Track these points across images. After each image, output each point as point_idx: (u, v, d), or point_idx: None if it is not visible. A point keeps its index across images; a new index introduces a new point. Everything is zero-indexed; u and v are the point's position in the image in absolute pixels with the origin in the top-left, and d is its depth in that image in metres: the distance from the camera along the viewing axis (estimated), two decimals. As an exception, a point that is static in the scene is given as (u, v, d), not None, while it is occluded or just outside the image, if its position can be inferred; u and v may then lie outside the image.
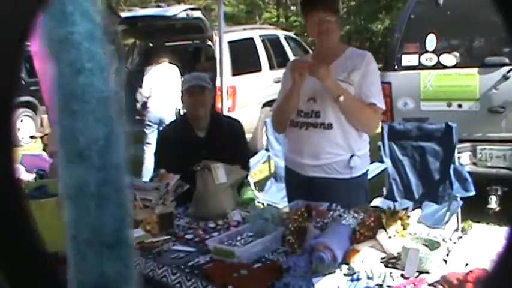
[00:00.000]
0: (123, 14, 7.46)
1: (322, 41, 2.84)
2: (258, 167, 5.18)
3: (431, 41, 4.97)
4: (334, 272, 1.99)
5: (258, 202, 4.63)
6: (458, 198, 3.79)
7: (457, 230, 3.72)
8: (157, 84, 7.04)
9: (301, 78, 2.72)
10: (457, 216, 3.80)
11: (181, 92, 3.41)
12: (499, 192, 4.64)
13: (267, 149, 4.97)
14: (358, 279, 1.90)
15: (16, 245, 0.60)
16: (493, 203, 4.61)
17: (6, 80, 0.57)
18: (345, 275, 1.98)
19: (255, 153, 5.10)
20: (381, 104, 2.76)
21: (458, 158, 4.48)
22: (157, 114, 6.85)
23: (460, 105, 4.80)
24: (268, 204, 4.16)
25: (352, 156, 2.77)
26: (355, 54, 2.81)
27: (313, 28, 2.81)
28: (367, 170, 2.95)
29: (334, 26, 2.77)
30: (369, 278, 1.93)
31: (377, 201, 4.09)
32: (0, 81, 0.56)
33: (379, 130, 4.59)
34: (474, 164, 4.78)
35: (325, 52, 2.84)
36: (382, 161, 4.27)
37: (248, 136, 7.71)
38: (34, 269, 0.61)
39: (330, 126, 2.74)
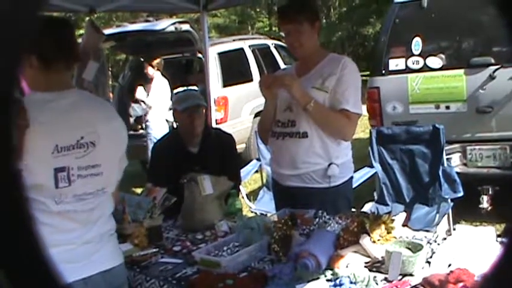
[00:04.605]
0: (113, 30, 7.51)
1: (295, 52, 2.79)
2: (250, 176, 5.19)
3: (417, 44, 5.00)
4: (318, 278, 2.01)
5: (251, 211, 4.65)
6: (449, 200, 3.80)
7: (448, 231, 3.72)
8: (156, 99, 7.05)
9: (270, 92, 2.70)
10: (448, 217, 3.81)
11: (173, 108, 3.42)
12: (491, 192, 4.64)
13: (258, 159, 4.98)
14: (340, 285, 1.92)
15: (16, 244, 0.60)
16: (485, 202, 4.62)
17: (6, 78, 0.59)
18: (328, 280, 1.99)
19: (247, 163, 5.12)
20: (356, 109, 2.65)
21: (449, 159, 4.50)
22: (160, 130, 6.78)
23: (448, 107, 4.82)
24: (261, 214, 4.17)
25: (330, 164, 2.70)
26: (333, 60, 2.72)
27: (286, 40, 2.81)
28: (351, 178, 2.87)
29: (305, 36, 2.66)
30: (351, 282, 1.94)
31: (368, 206, 4.11)
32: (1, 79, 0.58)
33: (367, 135, 4.61)
34: (465, 164, 4.80)
35: (304, 61, 2.81)
36: (372, 166, 4.29)
37: (242, 146, 7.75)
38: (34, 269, 0.61)
39: (305, 135, 2.69)
